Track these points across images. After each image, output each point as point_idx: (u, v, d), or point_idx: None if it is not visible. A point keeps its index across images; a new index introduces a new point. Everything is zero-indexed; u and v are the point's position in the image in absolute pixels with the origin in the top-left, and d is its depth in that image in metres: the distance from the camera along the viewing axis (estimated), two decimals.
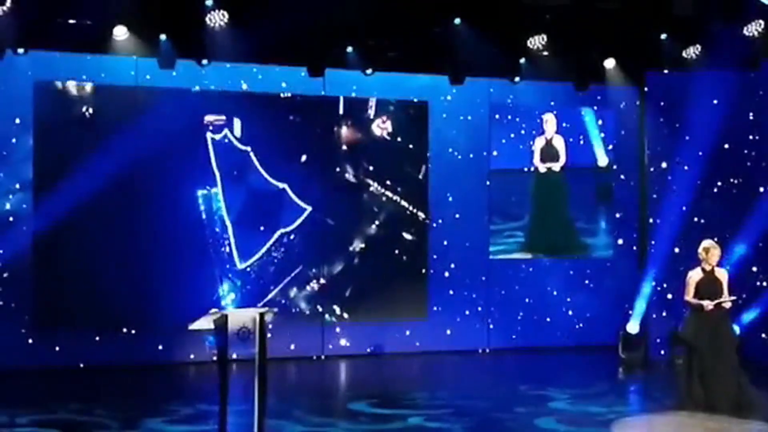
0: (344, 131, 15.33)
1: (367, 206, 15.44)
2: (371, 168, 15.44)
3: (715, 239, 11.18)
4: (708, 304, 10.82)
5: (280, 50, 13.99)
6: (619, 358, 15.02)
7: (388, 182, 15.50)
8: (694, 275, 11.01)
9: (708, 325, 10.86)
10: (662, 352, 15.01)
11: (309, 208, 14.99)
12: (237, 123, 14.73)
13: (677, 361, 14.57)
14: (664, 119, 15.58)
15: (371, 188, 15.40)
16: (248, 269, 14.68)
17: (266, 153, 14.87)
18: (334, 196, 15.21)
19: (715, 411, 10.68)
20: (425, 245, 15.74)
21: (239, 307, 13.81)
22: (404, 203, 15.59)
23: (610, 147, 16.63)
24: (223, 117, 14.66)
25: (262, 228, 14.83)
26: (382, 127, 15.51)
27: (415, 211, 15.65)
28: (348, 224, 15.33)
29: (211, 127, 14.61)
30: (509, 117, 16.19)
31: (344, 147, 15.30)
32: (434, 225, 15.79)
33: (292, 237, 14.96)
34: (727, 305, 10.92)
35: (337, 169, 15.26)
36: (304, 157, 15.07)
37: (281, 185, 14.89)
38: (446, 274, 15.84)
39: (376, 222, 15.46)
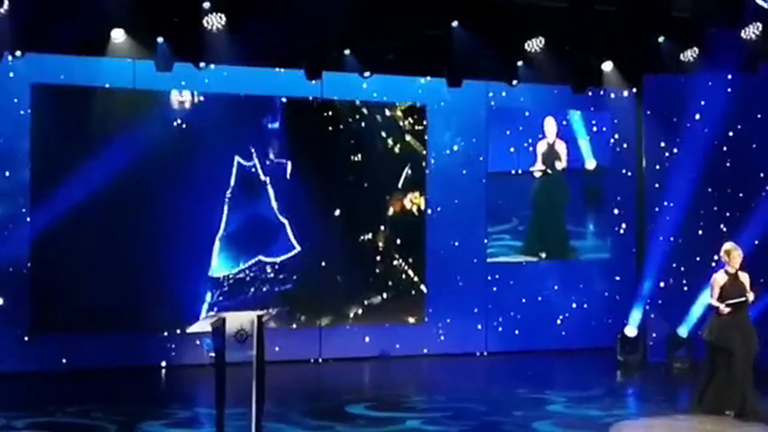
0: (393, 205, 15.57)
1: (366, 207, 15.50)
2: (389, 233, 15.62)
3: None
4: (723, 308, 10.78)
5: (278, 53, 13.99)
6: (617, 360, 15.02)
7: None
8: (719, 278, 10.94)
9: (737, 329, 10.78)
10: (662, 355, 15.00)
11: (298, 248, 14.97)
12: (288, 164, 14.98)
13: (676, 364, 14.63)
14: (662, 122, 15.58)
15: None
16: (224, 285, 14.61)
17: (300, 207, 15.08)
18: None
19: (743, 415, 10.64)
20: (422, 247, 15.73)
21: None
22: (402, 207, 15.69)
23: (608, 150, 16.64)
24: (287, 161, 14.87)
25: (246, 250, 14.77)
26: (414, 201, 15.59)
27: (412, 213, 15.70)
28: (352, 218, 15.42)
29: (268, 162, 14.76)
30: (507, 119, 16.17)
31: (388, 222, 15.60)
32: (431, 228, 15.77)
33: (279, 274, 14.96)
34: (749, 302, 10.86)
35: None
36: (337, 212, 15.26)
37: (282, 219, 14.91)
38: (443, 277, 15.81)
39: (377, 227, 15.52)
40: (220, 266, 14.60)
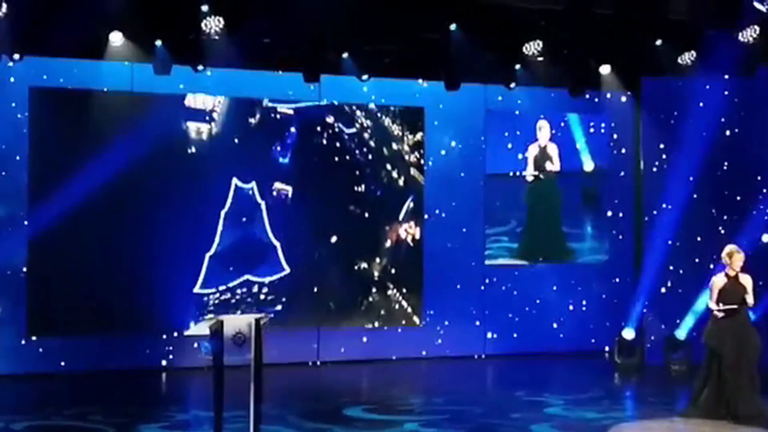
0: (390, 235, 15.60)
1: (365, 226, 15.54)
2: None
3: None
4: (716, 312, 10.76)
5: (276, 56, 14.00)
6: (614, 363, 15.02)
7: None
8: (718, 281, 10.88)
9: (731, 332, 10.77)
10: (660, 358, 15.01)
11: (287, 270, 14.95)
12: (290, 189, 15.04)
13: (674, 367, 14.63)
14: (660, 125, 15.60)
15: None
16: (211, 302, 14.56)
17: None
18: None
19: (737, 418, 10.62)
20: (420, 251, 15.74)
21: None
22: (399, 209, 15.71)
23: (606, 152, 16.64)
24: (289, 188, 14.92)
25: (235, 268, 14.75)
26: (410, 232, 15.62)
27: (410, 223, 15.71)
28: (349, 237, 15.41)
29: (275, 193, 14.82)
30: (505, 122, 16.18)
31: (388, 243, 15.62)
32: (429, 231, 15.78)
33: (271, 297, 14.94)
34: (750, 301, 10.82)
35: None
36: (334, 238, 15.27)
37: (275, 241, 14.91)
38: (442, 279, 15.82)
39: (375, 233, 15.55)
40: (207, 282, 14.55)
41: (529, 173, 16.28)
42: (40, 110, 13.85)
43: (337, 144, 15.29)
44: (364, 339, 15.43)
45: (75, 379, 13.50)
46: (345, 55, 14.17)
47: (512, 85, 15.22)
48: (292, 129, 15.08)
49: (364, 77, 14.43)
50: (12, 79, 13.71)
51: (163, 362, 14.35)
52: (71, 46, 13.00)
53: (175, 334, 14.36)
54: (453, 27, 13.94)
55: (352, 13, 13.17)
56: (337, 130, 15.30)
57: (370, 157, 15.47)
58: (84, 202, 13.75)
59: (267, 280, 14.88)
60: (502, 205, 16.18)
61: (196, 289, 14.47)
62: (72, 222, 13.76)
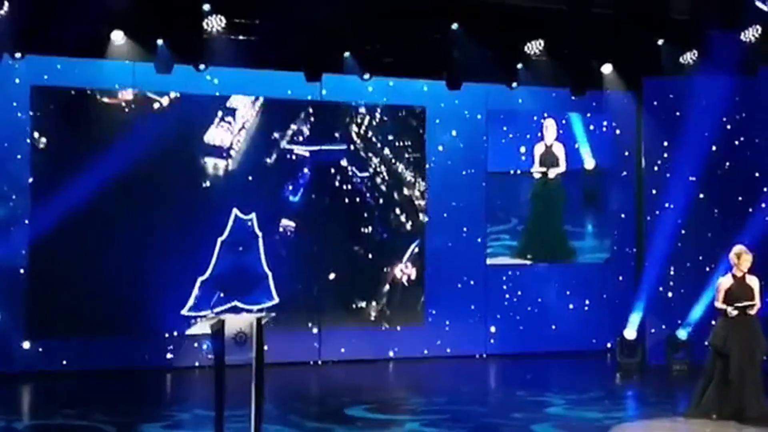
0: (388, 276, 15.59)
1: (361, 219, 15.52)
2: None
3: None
4: (731, 310, 10.74)
5: (278, 55, 14.00)
6: (616, 363, 15.02)
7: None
8: (725, 281, 10.86)
9: (739, 333, 10.75)
10: (661, 358, 15.00)
11: (276, 299, 14.90)
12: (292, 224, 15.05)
13: (675, 367, 14.63)
14: (662, 124, 15.58)
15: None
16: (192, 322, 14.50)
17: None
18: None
19: (743, 419, 10.61)
20: (422, 250, 15.73)
21: None
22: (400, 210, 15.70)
23: (608, 152, 16.63)
24: (293, 224, 14.97)
25: (222, 294, 14.71)
26: (405, 272, 15.64)
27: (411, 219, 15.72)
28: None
29: (281, 229, 14.88)
30: (506, 122, 16.17)
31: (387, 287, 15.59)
32: (431, 230, 15.77)
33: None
34: (753, 311, 10.79)
35: None
36: (332, 275, 15.27)
37: (267, 271, 14.88)
38: (443, 278, 15.81)
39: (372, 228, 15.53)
40: (196, 306, 14.48)
41: (535, 172, 16.27)
42: (41, 109, 13.83)
43: (349, 186, 15.33)
44: (366, 341, 15.41)
45: (76, 379, 13.49)
46: (347, 54, 14.18)
47: (514, 84, 15.22)
48: (306, 170, 15.10)
49: (366, 76, 14.44)
50: (17, 81, 13.68)
51: (166, 357, 14.32)
52: (73, 45, 13.00)
53: (176, 333, 14.34)
54: (454, 26, 13.97)
55: (354, 13, 13.20)
56: (350, 173, 15.33)
57: (381, 201, 15.50)
58: (85, 201, 13.73)
59: (255, 308, 14.80)
60: (504, 203, 16.18)
61: (185, 312, 14.40)
62: (73, 222, 13.73)
